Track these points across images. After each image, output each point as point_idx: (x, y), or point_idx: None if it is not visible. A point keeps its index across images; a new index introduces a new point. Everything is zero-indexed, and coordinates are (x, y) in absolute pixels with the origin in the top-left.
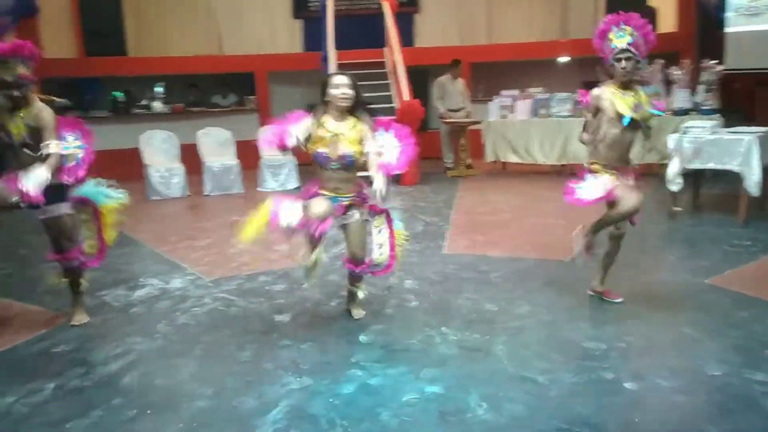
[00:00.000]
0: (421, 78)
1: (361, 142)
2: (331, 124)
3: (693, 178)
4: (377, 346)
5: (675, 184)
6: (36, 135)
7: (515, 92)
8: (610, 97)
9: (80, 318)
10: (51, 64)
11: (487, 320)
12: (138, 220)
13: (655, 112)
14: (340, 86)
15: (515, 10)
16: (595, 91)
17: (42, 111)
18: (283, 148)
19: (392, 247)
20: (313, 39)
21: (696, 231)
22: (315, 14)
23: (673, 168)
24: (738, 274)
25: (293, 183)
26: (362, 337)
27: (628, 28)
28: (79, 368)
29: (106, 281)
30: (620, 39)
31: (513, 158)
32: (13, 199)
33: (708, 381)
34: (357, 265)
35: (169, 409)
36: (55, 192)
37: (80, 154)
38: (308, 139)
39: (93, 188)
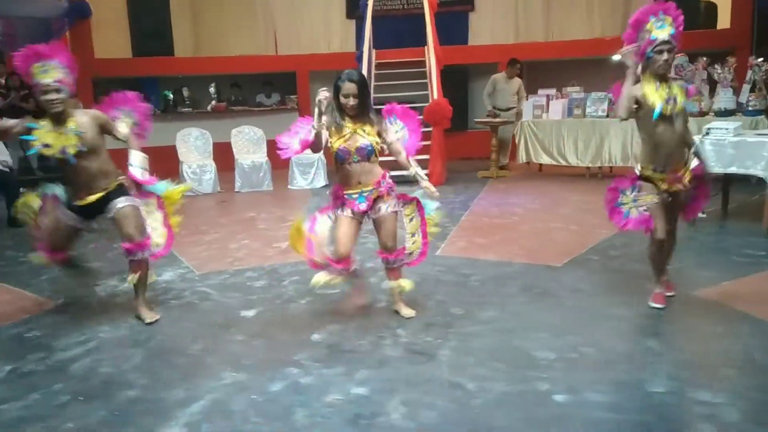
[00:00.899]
0: (462, 77)
1: (378, 134)
2: (347, 120)
3: (722, 182)
4: (325, 345)
5: None
6: (91, 142)
7: (551, 91)
8: (645, 90)
9: (153, 315)
10: (103, 64)
11: (445, 324)
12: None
13: (690, 106)
14: (350, 96)
15: (574, 7)
16: (634, 87)
17: (89, 113)
18: (307, 146)
19: (424, 235)
20: (380, 39)
21: (711, 239)
22: (382, 14)
23: None
24: (734, 286)
25: (321, 181)
26: (314, 336)
27: (668, 18)
28: (41, 353)
29: (103, 272)
30: (662, 30)
31: (545, 159)
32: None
33: (644, 398)
34: (390, 254)
35: (100, 397)
36: (118, 188)
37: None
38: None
39: (154, 183)
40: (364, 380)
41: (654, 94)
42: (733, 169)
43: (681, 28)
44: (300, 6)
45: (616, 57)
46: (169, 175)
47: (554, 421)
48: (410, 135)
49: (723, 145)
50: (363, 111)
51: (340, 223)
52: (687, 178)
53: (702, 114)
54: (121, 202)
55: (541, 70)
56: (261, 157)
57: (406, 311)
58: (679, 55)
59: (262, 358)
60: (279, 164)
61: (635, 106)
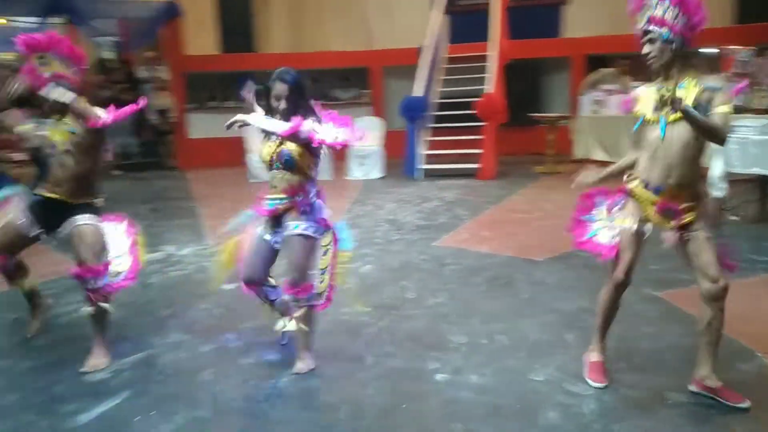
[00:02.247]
0: (534, 71)
1: (305, 146)
2: None
3: (759, 184)
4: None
5: (718, 189)
6: (79, 144)
7: (613, 86)
8: (644, 92)
9: (96, 363)
10: (193, 60)
11: (390, 306)
12: (219, 197)
13: (690, 110)
14: (281, 99)
15: None
16: (637, 90)
17: (86, 110)
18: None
19: (331, 276)
20: (460, 33)
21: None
22: (462, 9)
23: (716, 170)
24: None
25: (377, 173)
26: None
27: (652, 1)
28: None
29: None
30: (642, 16)
31: (601, 156)
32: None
33: (518, 384)
34: (293, 288)
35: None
36: (86, 206)
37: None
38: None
39: None
40: (282, 349)
41: (646, 97)
42: (755, 170)
43: (692, 13)
44: (395, 2)
45: None
46: (235, 165)
47: (418, 395)
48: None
49: (746, 143)
50: (294, 115)
51: (250, 241)
52: (688, 218)
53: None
54: (82, 219)
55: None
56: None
57: (300, 364)
58: (743, 48)
59: (210, 324)
60: (339, 155)
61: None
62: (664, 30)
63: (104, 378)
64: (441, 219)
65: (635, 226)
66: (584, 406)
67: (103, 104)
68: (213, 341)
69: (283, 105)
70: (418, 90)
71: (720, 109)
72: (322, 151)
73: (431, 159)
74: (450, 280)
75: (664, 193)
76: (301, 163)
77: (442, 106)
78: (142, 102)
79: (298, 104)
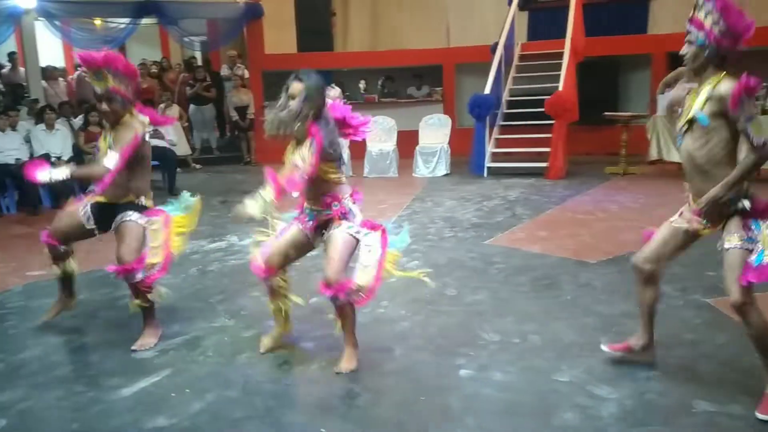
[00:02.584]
0: (613, 69)
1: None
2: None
3: None
4: (310, 307)
5: None
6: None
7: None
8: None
9: (144, 342)
10: (272, 58)
11: (427, 301)
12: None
13: (701, 117)
14: (294, 97)
15: None
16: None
17: (124, 132)
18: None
19: (378, 270)
20: (537, 30)
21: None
22: (540, 6)
23: None
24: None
25: (443, 170)
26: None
27: (700, 1)
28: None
29: (202, 233)
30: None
31: (676, 157)
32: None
33: (541, 383)
34: (327, 288)
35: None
36: (130, 205)
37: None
38: None
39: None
40: (310, 331)
41: (687, 100)
42: None
43: (731, 19)
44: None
45: None
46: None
47: (439, 389)
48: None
49: None
50: (304, 117)
51: (286, 230)
52: (727, 236)
53: None
54: (128, 216)
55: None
56: (390, 145)
57: (343, 364)
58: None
59: (256, 311)
60: (406, 153)
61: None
62: (701, 34)
63: (149, 357)
64: (498, 218)
65: (676, 221)
66: (603, 410)
67: (187, 100)
68: (255, 327)
69: (294, 105)
70: (487, 88)
71: (739, 126)
72: (340, 151)
73: (499, 157)
74: (493, 279)
75: (693, 200)
76: (324, 173)
77: (514, 104)
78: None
79: (310, 107)
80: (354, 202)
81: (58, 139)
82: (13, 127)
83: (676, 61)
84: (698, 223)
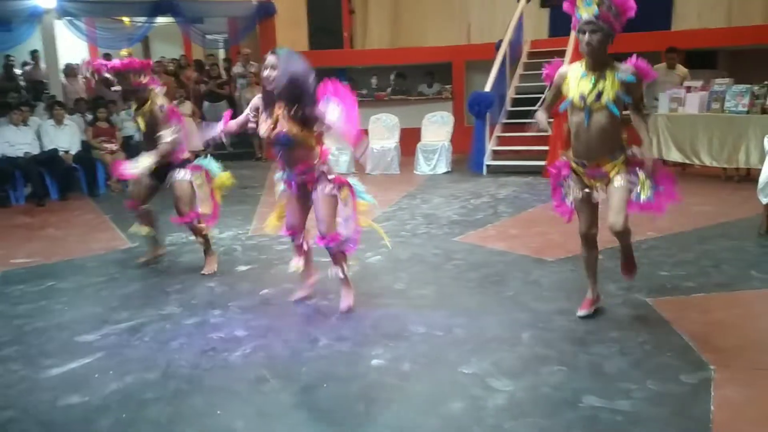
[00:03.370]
0: None
1: (302, 123)
2: (278, 106)
3: None
4: (260, 298)
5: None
6: (151, 127)
7: (699, 83)
8: (573, 76)
9: (210, 268)
10: None
11: (374, 294)
12: None
13: (612, 107)
14: (267, 67)
15: None
16: (563, 68)
17: (155, 109)
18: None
19: (355, 221)
20: (558, 27)
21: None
22: (561, 2)
23: (765, 175)
24: (697, 301)
25: (443, 168)
26: (264, 291)
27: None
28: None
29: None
30: (587, 8)
31: (675, 156)
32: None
33: (444, 374)
34: (322, 239)
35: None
36: (177, 164)
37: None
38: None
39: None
40: (250, 320)
41: (574, 84)
42: None
43: (616, 7)
44: None
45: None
46: None
47: (345, 378)
48: (347, 112)
49: None
50: (288, 92)
51: (288, 199)
52: (615, 172)
53: None
54: (178, 174)
55: (757, 59)
56: (392, 143)
57: (343, 303)
58: None
59: (205, 301)
60: (408, 151)
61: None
62: (607, 26)
63: (91, 340)
64: (479, 215)
65: (579, 194)
66: (491, 401)
67: (201, 98)
68: (198, 315)
69: (270, 73)
70: (488, 85)
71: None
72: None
73: (499, 155)
74: (446, 275)
75: (589, 164)
76: (302, 140)
77: (517, 102)
78: None
79: (290, 84)
80: (323, 163)
81: (67, 134)
82: (25, 122)
83: (690, 57)
84: (601, 178)
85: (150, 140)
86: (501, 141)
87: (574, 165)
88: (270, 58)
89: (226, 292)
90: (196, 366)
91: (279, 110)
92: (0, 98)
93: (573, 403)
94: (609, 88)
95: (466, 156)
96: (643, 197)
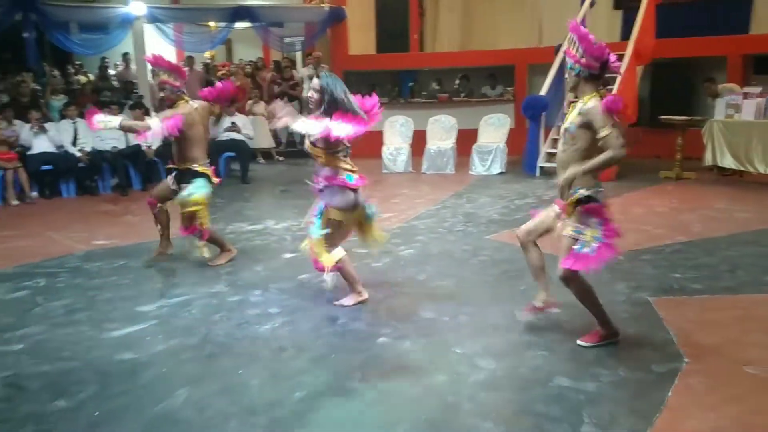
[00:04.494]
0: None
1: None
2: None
3: None
4: (297, 283)
5: None
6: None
7: (758, 89)
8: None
9: (218, 260)
10: (353, 59)
11: (396, 284)
12: None
13: (571, 128)
14: (312, 88)
15: None
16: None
17: (172, 110)
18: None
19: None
20: (629, 29)
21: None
22: (635, 4)
23: None
24: (692, 303)
25: (498, 168)
26: (302, 276)
27: (570, 35)
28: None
29: (247, 217)
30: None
31: (730, 163)
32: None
33: (440, 353)
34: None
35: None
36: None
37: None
38: None
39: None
40: (284, 300)
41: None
42: None
43: (580, 46)
44: None
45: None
46: (376, 156)
47: (351, 350)
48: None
49: None
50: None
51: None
52: (569, 212)
53: None
54: (187, 189)
55: None
56: (448, 143)
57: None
58: None
59: (253, 282)
60: (464, 151)
61: None
62: (572, 61)
63: (148, 310)
64: (518, 215)
65: (552, 208)
66: (473, 376)
67: (274, 98)
68: (240, 294)
69: (312, 93)
70: (544, 88)
71: (603, 132)
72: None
73: (553, 158)
74: (468, 269)
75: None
76: (314, 153)
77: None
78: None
79: (326, 102)
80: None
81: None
82: None
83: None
84: (561, 210)
85: (181, 144)
86: (555, 143)
87: None
88: (315, 80)
89: (270, 276)
90: (230, 335)
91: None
92: (95, 96)
93: (544, 382)
94: (573, 114)
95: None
96: (585, 249)
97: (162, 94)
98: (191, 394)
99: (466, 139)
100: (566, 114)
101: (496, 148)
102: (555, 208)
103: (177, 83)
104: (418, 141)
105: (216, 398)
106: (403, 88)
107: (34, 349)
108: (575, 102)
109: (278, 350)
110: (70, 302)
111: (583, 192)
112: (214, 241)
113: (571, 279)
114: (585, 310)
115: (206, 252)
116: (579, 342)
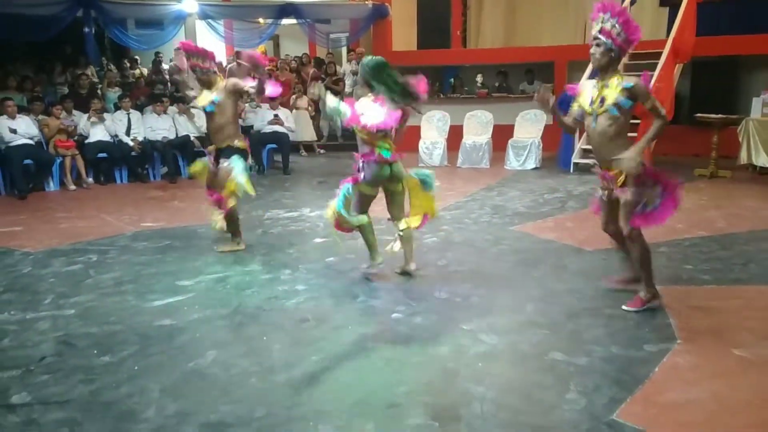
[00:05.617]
0: (731, 69)
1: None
2: None
3: None
4: (324, 263)
5: None
6: (221, 107)
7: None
8: (586, 88)
9: (225, 247)
10: (395, 55)
11: (417, 267)
12: None
13: (612, 110)
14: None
15: None
16: (582, 83)
17: (226, 84)
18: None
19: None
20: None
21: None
22: (680, 1)
23: None
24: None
25: (533, 164)
26: (329, 259)
27: (605, 16)
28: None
29: (283, 204)
30: (595, 24)
31: (765, 162)
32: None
33: (447, 328)
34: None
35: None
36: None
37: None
38: None
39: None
40: (311, 279)
41: (585, 92)
42: None
43: (628, 28)
44: None
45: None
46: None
47: (367, 322)
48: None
49: None
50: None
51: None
52: (621, 180)
53: None
54: (225, 162)
55: None
56: (484, 138)
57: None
58: None
59: (283, 261)
60: (499, 146)
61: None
62: (609, 41)
63: (187, 284)
64: (545, 208)
65: (599, 194)
66: (473, 349)
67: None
68: (272, 273)
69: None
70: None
71: (648, 105)
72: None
73: (588, 154)
74: (487, 256)
75: (602, 167)
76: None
77: None
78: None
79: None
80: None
81: (166, 121)
82: (165, 112)
83: None
84: (610, 182)
85: (219, 121)
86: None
87: (596, 169)
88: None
89: (300, 258)
90: (259, 308)
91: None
92: (149, 90)
93: (540, 356)
94: (611, 93)
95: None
96: (649, 208)
97: (199, 77)
98: (219, 355)
99: (503, 135)
100: (592, 98)
101: (531, 144)
102: (602, 192)
103: (206, 65)
104: (455, 136)
105: (241, 359)
106: (444, 84)
107: (84, 314)
108: (599, 83)
109: (300, 321)
110: (118, 275)
111: (642, 164)
112: (231, 222)
113: (637, 238)
114: (592, 294)
115: (223, 226)
116: (624, 308)
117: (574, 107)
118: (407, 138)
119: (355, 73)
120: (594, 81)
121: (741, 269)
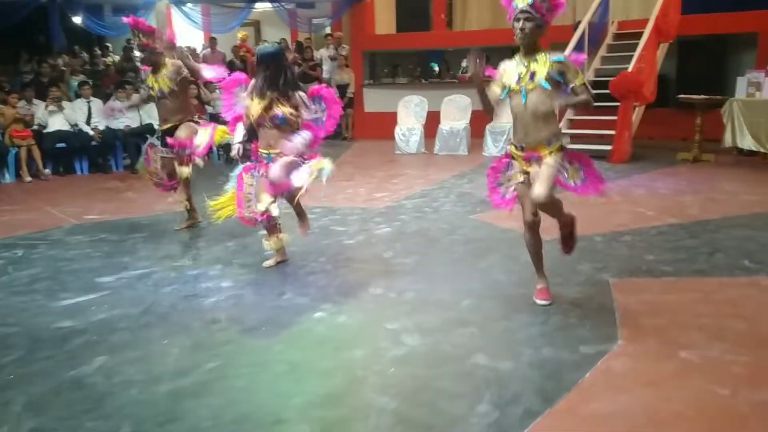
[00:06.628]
0: (717, 49)
1: (294, 107)
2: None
3: None
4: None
5: None
6: (177, 86)
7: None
8: (509, 67)
9: (182, 224)
10: (373, 39)
11: (357, 259)
12: (351, 164)
13: (544, 84)
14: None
15: None
16: (504, 64)
17: (177, 65)
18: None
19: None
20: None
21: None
22: None
23: None
24: (651, 285)
25: None
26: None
27: None
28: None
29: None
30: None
31: (750, 144)
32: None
33: (370, 328)
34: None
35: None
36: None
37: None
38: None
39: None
40: (241, 275)
41: (508, 72)
42: None
43: (548, 4)
44: None
45: None
46: (385, 136)
47: (283, 324)
48: (327, 119)
49: None
50: (274, 84)
51: (259, 184)
52: (547, 157)
53: None
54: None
55: None
56: (461, 124)
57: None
58: None
59: (215, 257)
60: (478, 132)
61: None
62: (539, 15)
63: (106, 281)
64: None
65: (521, 178)
66: (391, 352)
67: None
68: (201, 269)
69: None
70: None
71: (578, 81)
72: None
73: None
74: (437, 247)
75: (527, 148)
76: (293, 121)
77: (596, 85)
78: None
79: (275, 76)
80: None
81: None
82: (128, 99)
83: None
84: (535, 163)
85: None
86: (573, 124)
87: (513, 149)
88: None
89: (238, 252)
90: (172, 306)
91: (272, 94)
92: (119, 78)
93: (461, 359)
94: (541, 67)
95: None
96: (571, 182)
97: (142, 56)
98: (107, 362)
99: (483, 120)
100: (520, 75)
101: (509, 129)
102: (519, 176)
103: (156, 45)
104: (434, 122)
105: (128, 366)
106: (425, 69)
107: None
108: (524, 60)
109: (212, 322)
110: (37, 272)
111: (562, 142)
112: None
113: (552, 202)
114: (528, 292)
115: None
116: (539, 302)
117: (495, 89)
118: (383, 124)
119: (333, 59)
120: (516, 60)
121: (706, 259)
